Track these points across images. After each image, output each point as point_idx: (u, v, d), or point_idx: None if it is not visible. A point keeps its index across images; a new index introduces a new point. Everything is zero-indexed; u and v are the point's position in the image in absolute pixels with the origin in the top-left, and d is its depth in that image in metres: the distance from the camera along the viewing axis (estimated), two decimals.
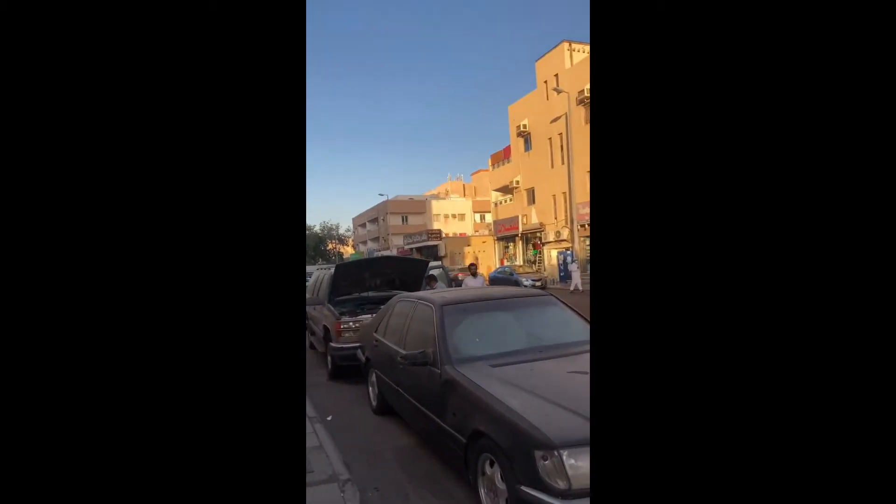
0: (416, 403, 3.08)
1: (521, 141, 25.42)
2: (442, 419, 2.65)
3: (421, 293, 4.65)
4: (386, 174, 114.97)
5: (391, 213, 47.12)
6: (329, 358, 6.62)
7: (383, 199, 44.31)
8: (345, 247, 53.02)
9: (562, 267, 20.95)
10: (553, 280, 20.98)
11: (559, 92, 19.78)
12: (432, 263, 7.89)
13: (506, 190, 27.65)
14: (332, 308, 6.47)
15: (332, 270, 7.33)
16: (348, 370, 5.98)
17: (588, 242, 20.37)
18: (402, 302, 4.34)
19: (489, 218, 53.27)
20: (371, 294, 7.10)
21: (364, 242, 53.51)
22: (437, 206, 50.76)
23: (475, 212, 52.74)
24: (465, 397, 2.47)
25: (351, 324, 6.11)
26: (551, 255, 23.17)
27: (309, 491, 2.25)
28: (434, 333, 3.11)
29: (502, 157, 27.69)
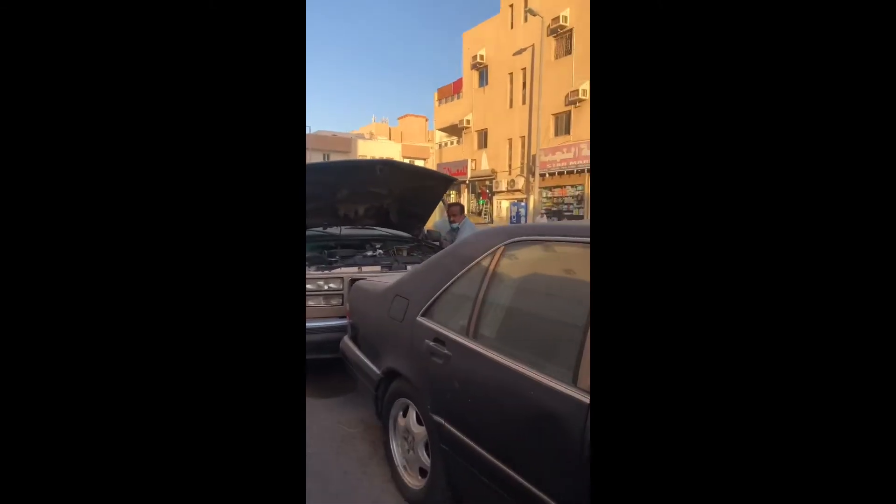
0: None
1: (475, 74, 22.37)
2: None
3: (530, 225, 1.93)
4: (307, 110, 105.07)
5: (312, 150, 41.97)
6: None
7: (306, 130, 38.99)
8: None
9: (514, 220, 18.93)
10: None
11: (533, 15, 16.92)
12: None
13: (453, 130, 24.71)
14: None
15: None
16: (311, 366, 3.22)
17: (545, 195, 18.47)
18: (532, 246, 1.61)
19: (419, 164, 50.30)
20: (347, 231, 4.17)
21: None
22: (363, 147, 46.31)
23: (404, 157, 49.21)
24: None
25: (322, 283, 3.24)
26: (501, 207, 21.05)
27: None
28: None
29: (451, 91, 24.47)
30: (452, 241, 4.52)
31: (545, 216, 17.79)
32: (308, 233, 3.99)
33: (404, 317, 2.05)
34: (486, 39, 21.27)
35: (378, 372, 2.21)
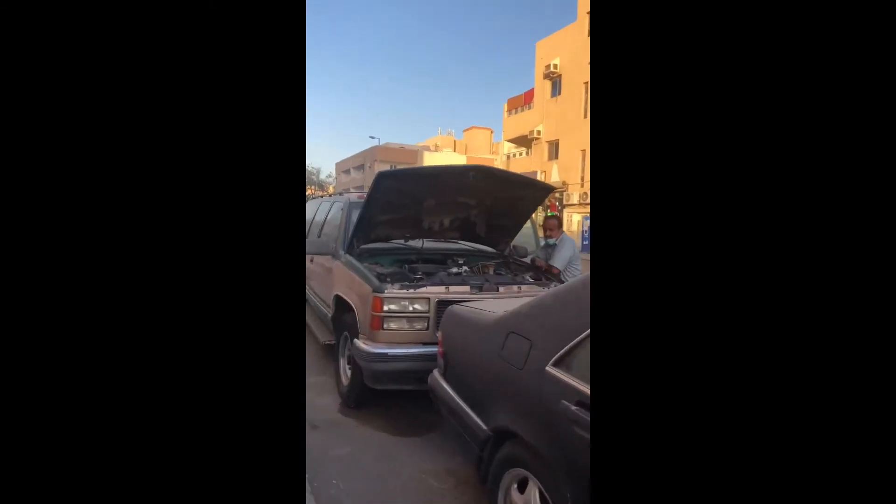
0: None
1: (547, 84, 21.74)
2: None
3: None
4: (373, 122, 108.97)
5: (379, 161, 42.93)
6: (347, 366, 3.35)
7: (374, 142, 40.00)
8: (325, 193, 48.98)
9: (586, 235, 17.95)
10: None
11: None
12: None
13: (523, 141, 24.15)
14: (358, 264, 3.16)
15: (365, 193, 4.04)
16: (386, 396, 2.84)
17: None
18: None
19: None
20: (429, 245, 3.78)
21: (347, 190, 49.56)
22: (429, 158, 46.76)
23: None
24: None
25: (407, 304, 2.84)
26: (572, 220, 20.12)
27: None
28: None
29: (522, 102, 23.96)
30: (547, 259, 4.05)
31: None
32: (387, 245, 3.65)
33: (525, 363, 1.58)
34: (561, 48, 20.62)
35: (485, 428, 1.74)
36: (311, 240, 3.70)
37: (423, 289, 2.83)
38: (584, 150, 19.59)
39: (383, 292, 2.75)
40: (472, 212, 3.56)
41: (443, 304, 2.83)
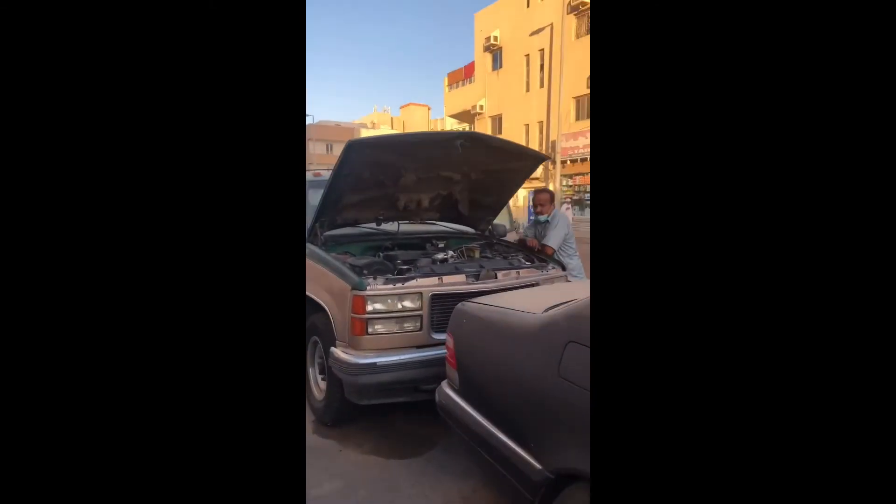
0: None
1: (488, 57, 21.28)
2: None
3: None
4: (307, 101, 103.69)
5: (315, 140, 40.92)
6: (319, 377, 2.84)
7: (309, 119, 37.89)
8: None
9: (530, 210, 18.01)
10: (520, 225, 18.01)
11: None
12: None
13: (465, 117, 23.65)
14: (326, 255, 2.63)
15: (321, 171, 3.47)
16: (369, 408, 2.40)
17: (566, 183, 17.51)
18: None
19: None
20: (405, 228, 3.28)
21: None
22: (365, 136, 45.30)
23: None
24: None
25: (395, 301, 2.37)
26: (517, 197, 20.10)
27: None
28: None
29: (463, 76, 23.36)
30: (538, 237, 3.68)
31: (570, 207, 16.87)
32: (356, 231, 3.11)
33: None
34: (501, 19, 20.17)
35: (540, 468, 1.34)
36: None
37: (412, 282, 2.36)
38: (527, 125, 19.48)
39: (364, 289, 2.25)
40: (456, 188, 3.09)
41: (437, 299, 2.38)
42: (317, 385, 2.76)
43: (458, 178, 2.99)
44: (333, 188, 2.65)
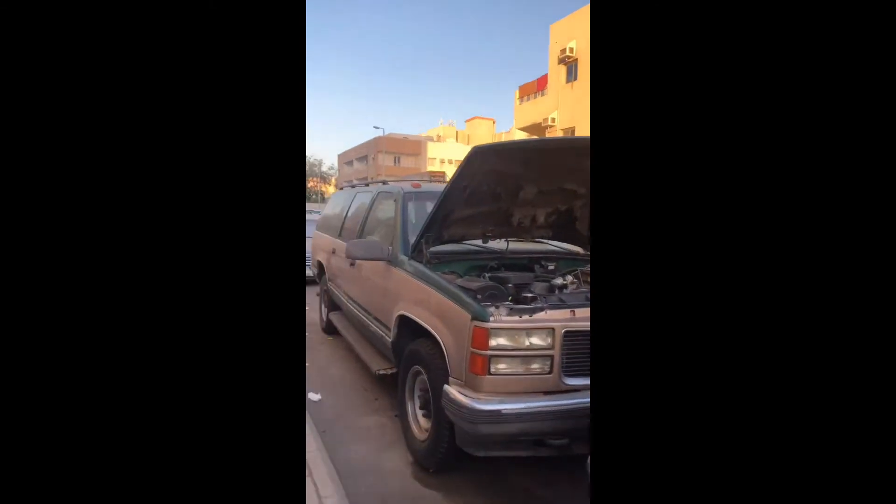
0: None
1: (562, 69, 20.74)
2: None
3: None
4: (376, 112, 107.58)
5: (382, 152, 41.94)
6: (419, 412, 2.52)
7: (378, 132, 38.89)
8: (327, 185, 47.96)
9: None
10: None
11: None
12: None
13: (536, 130, 23.15)
14: (437, 277, 2.30)
15: (416, 181, 3.20)
16: (480, 459, 1.99)
17: None
18: None
19: None
20: (513, 246, 2.92)
21: (350, 182, 48.58)
22: (432, 149, 45.84)
23: None
24: None
25: (522, 336, 1.99)
26: None
27: None
28: None
29: (535, 88, 22.93)
30: None
31: None
32: (461, 248, 2.80)
33: None
34: (577, 31, 19.61)
35: None
36: (354, 241, 2.85)
37: (542, 314, 1.98)
38: None
39: (488, 320, 1.90)
40: (577, 202, 2.70)
41: (571, 337, 1.98)
42: (417, 422, 2.45)
43: (584, 191, 2.60)
44: (447, 200, 2.36)
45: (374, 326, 3.01)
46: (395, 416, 2.92)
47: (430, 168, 42.29)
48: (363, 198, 3.96)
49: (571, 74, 20.45)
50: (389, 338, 2.70)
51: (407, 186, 3.29)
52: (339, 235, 4.20)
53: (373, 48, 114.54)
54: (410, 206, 3.06)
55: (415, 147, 44.88)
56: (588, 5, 16.56)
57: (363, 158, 46.45)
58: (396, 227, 2.94)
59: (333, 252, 4.25)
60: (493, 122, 61.91)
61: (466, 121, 61.86)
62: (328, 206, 5.35)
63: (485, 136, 59.14)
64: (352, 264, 3.51)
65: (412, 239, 2.79)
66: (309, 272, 6.61)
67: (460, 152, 47.81)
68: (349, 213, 4.18)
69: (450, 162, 46.00)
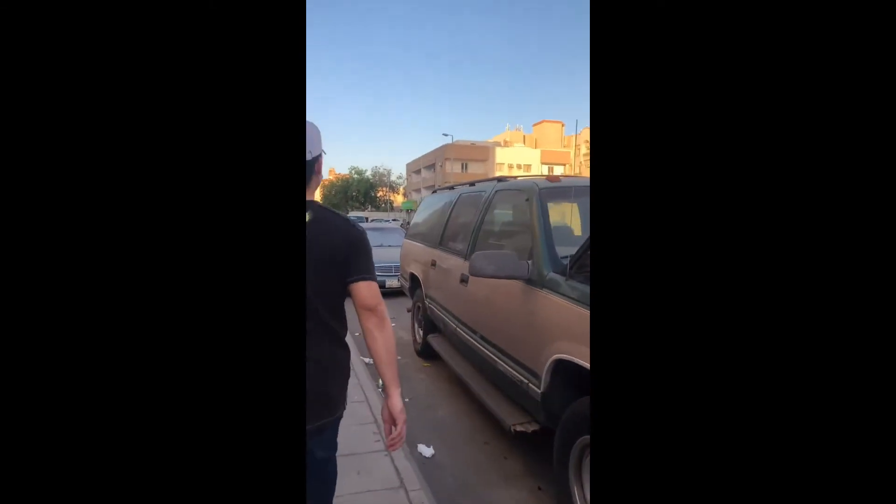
0: None
1: None
2: None
3: None
4: (442, 120, 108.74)
5: (450, 160, 41.81)
6: None
7: (447, 139, 38.81)
8: (395, 194, 48.65)
9: None
10: None
11: None
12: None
13: None
14: None
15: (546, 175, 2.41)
16: None
17: None
18: None
19: (559, 171, 47.27)
20: None
21: (418, 190, 48.94)
22: (500, 154, 45.03)
23: (543, 163, 46.74)
24: None
25: None
26: None
27: None
28: None
29: None
30: None
31: None
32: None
33: None
34: None
35: None
36: (482, 253, 2.15)
37: None
38: None
39: None
40: None
41: None
42: None
43: None
44: None
45: (507, 367, 2.27)
46: (539, 488, 2.17)
47: (498, 174, 41.56)
48: (471, 199, 3.28)
49: None
50: (537, 387, 1.96)
51: (542, 182, 2.56)
52: (441, 244, 3.55)
53: (434, 56, 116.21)
54: (547, 208, 2.33)
55: (482, 153, 44.30)
56: None
57: (430, 167, 46.63)
58: (536, 235, 2.20)
59: (433, 264, 3.60)
60: (563, 125, 60.12)
61: (534, 125, 60.55)
62: (419, 213, 4.73)
63: (553, 138, 57.45)
64: (463, 280, 2.82)
65: (560, 251, 2.05)
66: (395, 283, 6.11)
67: (530, 156, 46.61)
68: (451, 218, 3.52)
69: (518, 167, 44.95)
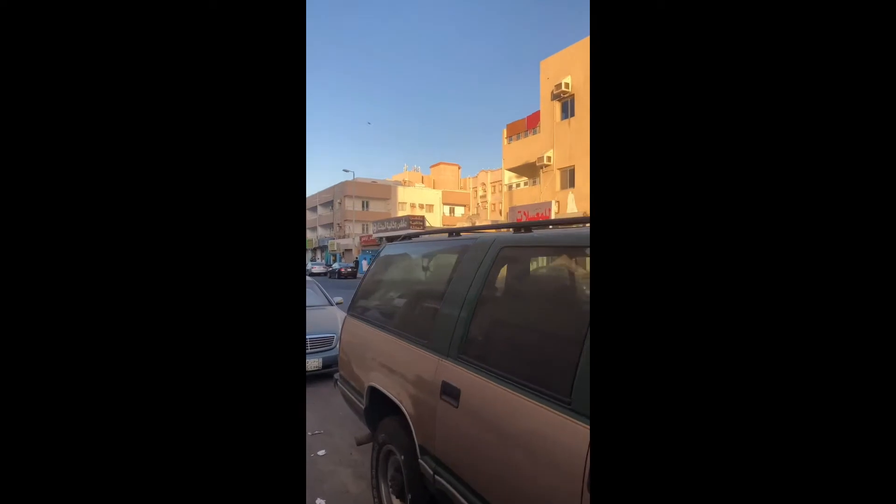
0: None
1: (556, 106, 19.47)
2: None
3: None
4: (340, 158, 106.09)
5: (350, 197, 39.65)
6: None
7: (348, 175, 36.65)
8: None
9: None
10: None
11: None
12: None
13: (528, 170, 21.64)
14: None
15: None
16: None
17: None
18: None
19: (460, 212, 47.38)
20: None
21: (313, 229, 45.62)
22: (402, 194, 43.96)
23: (445, 203, 46.58)
24: None
25: None
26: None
27: None
28: None
29: (524, 127, 21.53)
30: None
31: None
32: None
33: None
34: (572, 66, 18.51)
35: None
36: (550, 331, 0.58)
37: None
38: None
39: None
40: None
41: None
42: None
43: None
44: None
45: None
46: None
47: (401, 213, 40.13)
48: (478, 253, 1.54)
49: (567, 111, 19.18)
50: None
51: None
52: (461, 351, 1.70)
53: (341, 94, 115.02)
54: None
55: (384, 191, 42.83)
56: (583, 40, 15.26)
57: (328, 204, 43.90)
58: None
59: (448, 393, 1.70)
60: (459, 168, 61.43)
61: (431, 166, 61.00)
62: (373, 273, 2.79)
63: (451, 179, 58.17)
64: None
65: None
66: (316, 363, 3.88)
67: (431, 196, 46.16)
68: (453, 283, 1.75)
69: (420, 206, 44.15)
